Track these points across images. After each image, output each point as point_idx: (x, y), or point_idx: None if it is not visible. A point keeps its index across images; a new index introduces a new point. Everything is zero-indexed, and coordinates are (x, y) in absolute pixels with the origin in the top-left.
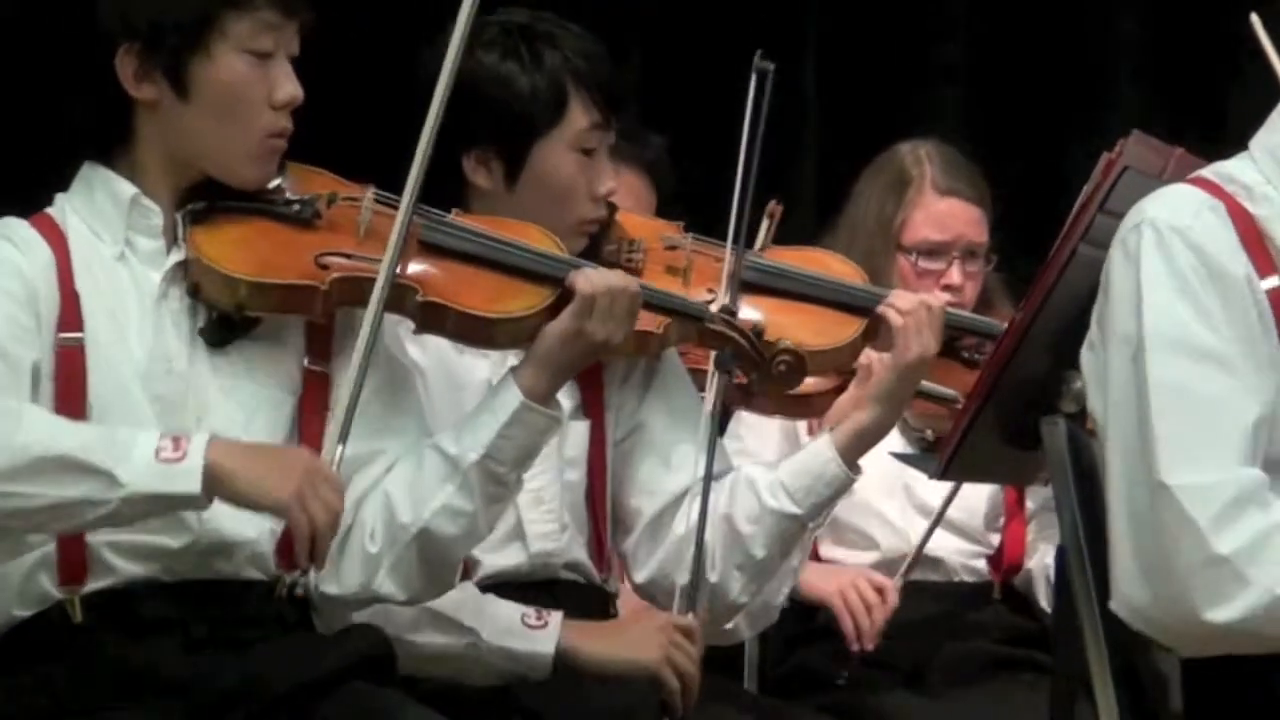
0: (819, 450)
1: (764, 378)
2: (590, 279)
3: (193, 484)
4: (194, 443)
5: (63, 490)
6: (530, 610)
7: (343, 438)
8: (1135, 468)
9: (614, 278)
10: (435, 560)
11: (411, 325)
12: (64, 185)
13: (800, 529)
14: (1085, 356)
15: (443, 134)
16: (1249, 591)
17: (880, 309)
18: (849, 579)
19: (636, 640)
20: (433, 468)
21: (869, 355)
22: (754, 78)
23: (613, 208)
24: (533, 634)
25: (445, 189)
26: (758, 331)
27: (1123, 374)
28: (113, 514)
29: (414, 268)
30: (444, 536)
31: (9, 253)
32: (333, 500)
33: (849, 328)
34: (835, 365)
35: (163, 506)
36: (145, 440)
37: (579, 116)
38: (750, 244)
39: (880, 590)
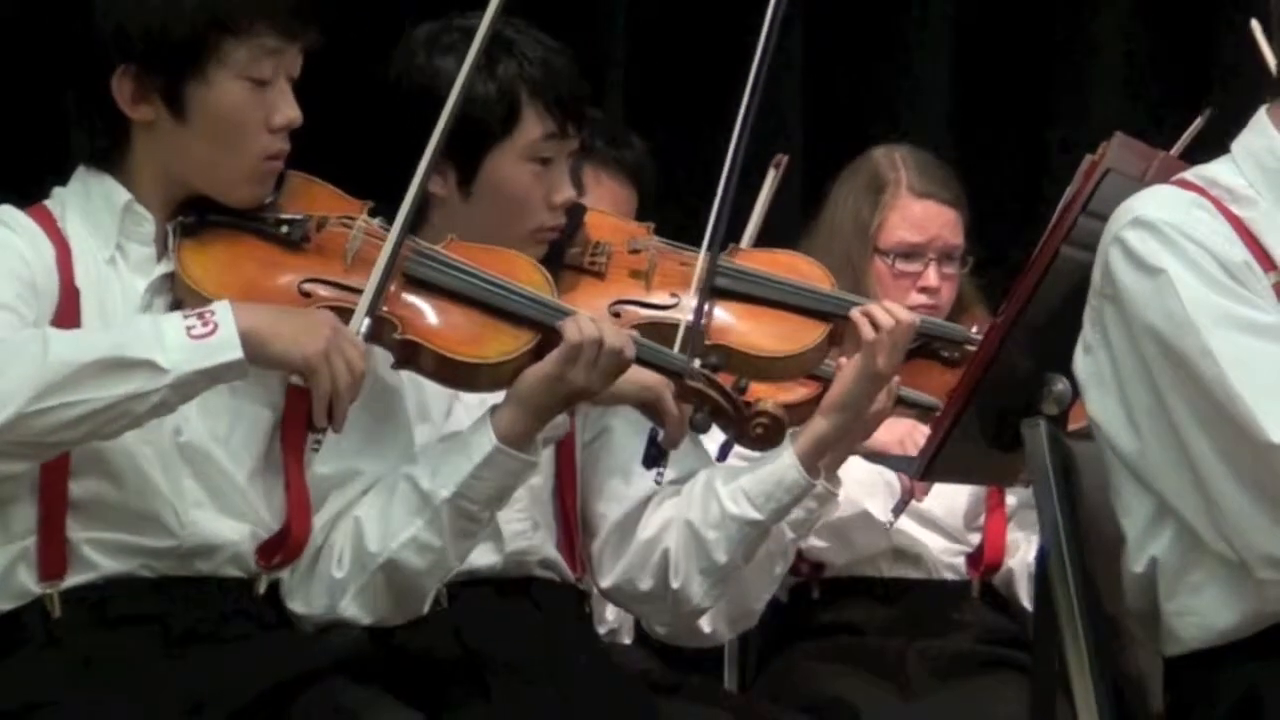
0: (779, 456)
1: (740, 437)
2: (581, 328)
3: (234, 351)
4: (219, 313)
5: (112, 390)
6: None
7: (370, 311)
8: (1233, 443)
9: (607, 332)
10: (402, 589)
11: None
12: (61, 177)
13: (761, 534)
14: (1081, 360)
15: (401, 137)
16: None
17: (854, 316)
18: (906, 429)
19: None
20: (404, 500)
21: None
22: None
23: (581, 209)
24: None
25: (404, 192)
26: (739, 389)
27: (1165, 364)
28: (163, 401)
29: (396, 301)
30: (411, 568)
31: (11, 239)
32: (355, 360)
33: (813, 332)
34: (800, 370)
35: (210, 380)
36: (172, 323)
37: (532, 126)
38: (753, 195)
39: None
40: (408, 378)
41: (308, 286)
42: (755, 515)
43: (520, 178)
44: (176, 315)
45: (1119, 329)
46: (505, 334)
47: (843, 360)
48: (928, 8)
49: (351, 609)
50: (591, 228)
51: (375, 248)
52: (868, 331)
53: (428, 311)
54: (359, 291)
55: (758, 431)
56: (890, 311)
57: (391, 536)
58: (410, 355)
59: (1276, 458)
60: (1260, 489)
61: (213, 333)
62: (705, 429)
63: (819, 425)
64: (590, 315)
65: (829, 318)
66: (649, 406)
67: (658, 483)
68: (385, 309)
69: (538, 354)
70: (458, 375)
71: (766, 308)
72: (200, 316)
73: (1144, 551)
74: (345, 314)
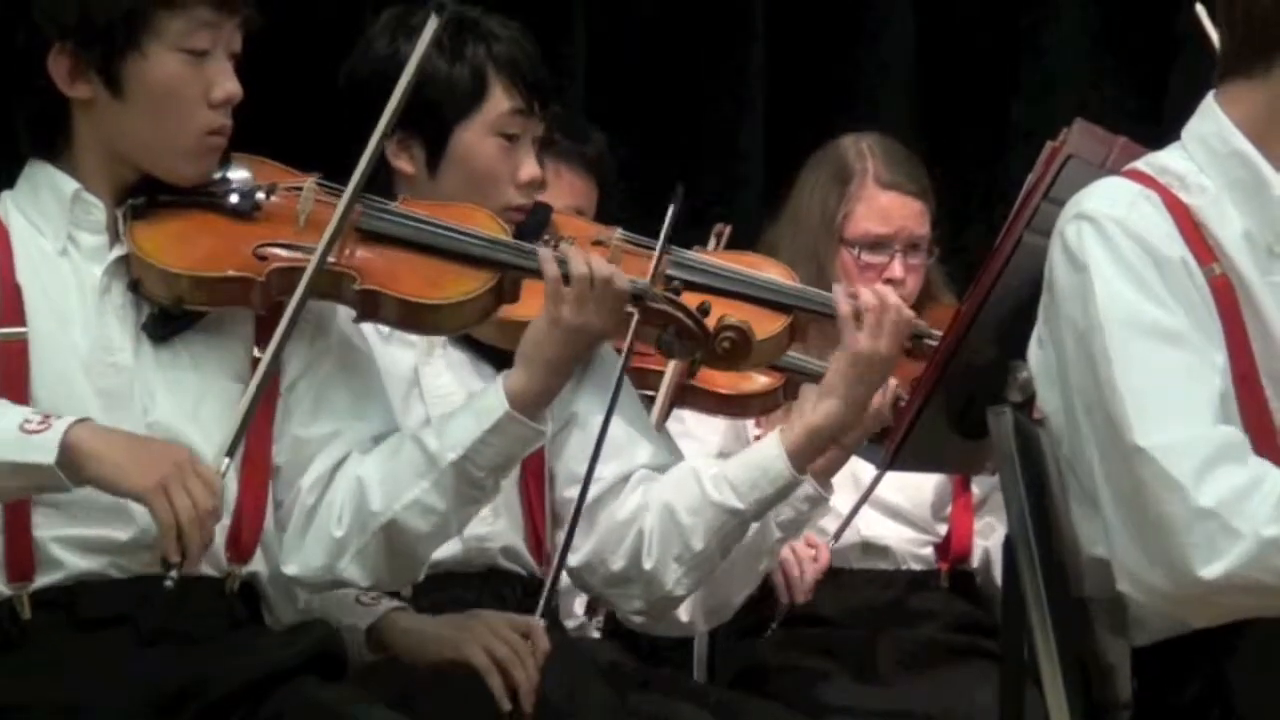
0: (766, 447)
1: (708, 356)
2: (558, 260)
3: (48, 455)
4: (61, 419)
5: None
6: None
7: (230, 451)
8: (1110, 443)
9: (593, 262)
10: (402, 552)
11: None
12: (11, 184)
13: (742, 525)
14: (1034, 353)
15: (365, 122)
16: (1239, 542)
17: (837, 293)
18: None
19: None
20: (410, 460)
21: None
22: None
23: (548, 208)
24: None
25: (372, 177)
26: (703, 310)
27: (1079, 364)
28: None
29: (352, 255)
30: (412, 530)
31: None
32: (202, 497)
33: (774, 323)
34: (761, 359)
35: (21, 477)
36: (15, 413)
37: (500, 100)
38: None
39: (814, 546)
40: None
41: (263, 250)
42: (737, 504)
43: (487, 151)
44: (28, 410)
45: (1057, 324)
46: (465, 275)
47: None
48: None
49: (351, 569)
50: (559, 225)
51: (326, 209)
52: (843, 308)
53: (384, 262)
54: (313, 250)
55: (725, 346)
56: (877, 293)
57: (395, 497)
58: (372, 306)
59: (1139, 461)
60: (1121, 493)
61: (40, 431)
62: (672, 350)
63: (810, 415)
64: (568, 248)
65: (788, 310)
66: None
67: None
68: (341, 262)
69: (498, 293)
70: (421, 319)
71: (729, 299)
72: (44, 417)
73: (1097, 544)
74: (300, 274)
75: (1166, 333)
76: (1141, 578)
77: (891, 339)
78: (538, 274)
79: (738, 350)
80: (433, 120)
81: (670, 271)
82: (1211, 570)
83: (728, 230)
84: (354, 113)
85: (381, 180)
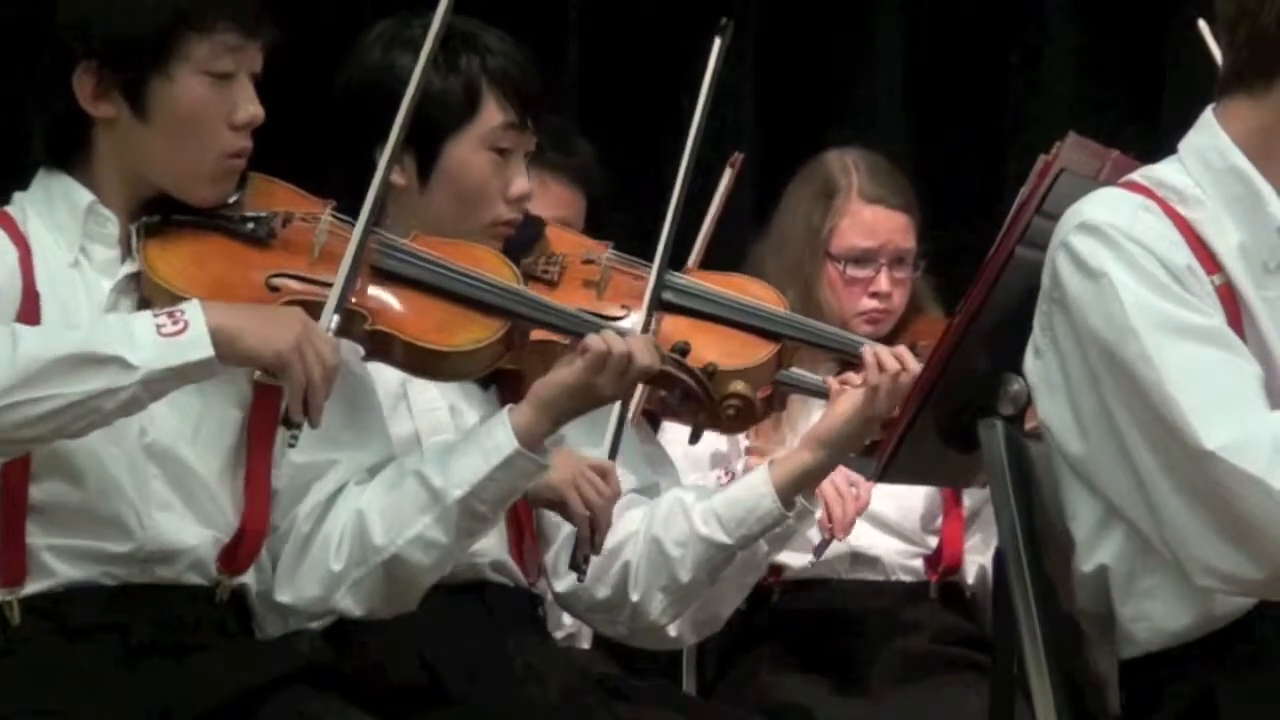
0: (756, 484)
1: (712, 420)
2: (610, 343)
3: (205, 349)
4: (189, 311)
5: (81, 385)
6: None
7: (339, 305)
8: (1172, 449)
9: (636, 347)
10: (401, 584)
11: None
12: (22, 182)
13: (728, 558)
14: (1031, 363)
15: (357, 133)
16: None
17: (865, 354)
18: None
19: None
20: (413, 495)
21: (848, 378)
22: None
23: (541, 222)
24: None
25: (362, 189)
26: (709, 373)
27: (1108, 373)
28: (133, 398)
29: (364, 294)
30: (414, 564)
31: None
32: (327, 354)
33: (761, 350)
34: (752, 385)
35: (180, 378)
36: (142, 321)
37: (493, 114)
38: (708, 197)
39: (855, 484)
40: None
41: (276, 281)
42: (724, 539)
43: (479, 165)
44: (146, 314)
45: (1066, 333)
46: (476, 322)
47: (831, 381)
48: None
49: (345, 601)
50: (551, 241)
51: (341, 242)
52: (874, 374)
53: (396, 302)
54: (327, 285)
55: (729, 414)
56: (899, 358)
57: (398, 532)
58: (381, 346)
59: (1211, 464)
60: (1195, 495)
61: (183, 330)
62: (676, 413)
63: (804, 458)
64: (617, 328)
65: (777, 338)
66: (557, 507)
67: (580, 583)
68: (354, 301)
69: (508, 342)
70: (429, 364)
71: (716, 324)
72: (170, 315)
73: (1093, 555)
74: (314, 308)
75: (1198, 331)
76: (1232, 573)
77: (898, 399)
78: (548, 328)
79: (742, 417)
80: (424, 132)
81: (664, 296)
82: None
83: (740, 159)
84: (346, 124)
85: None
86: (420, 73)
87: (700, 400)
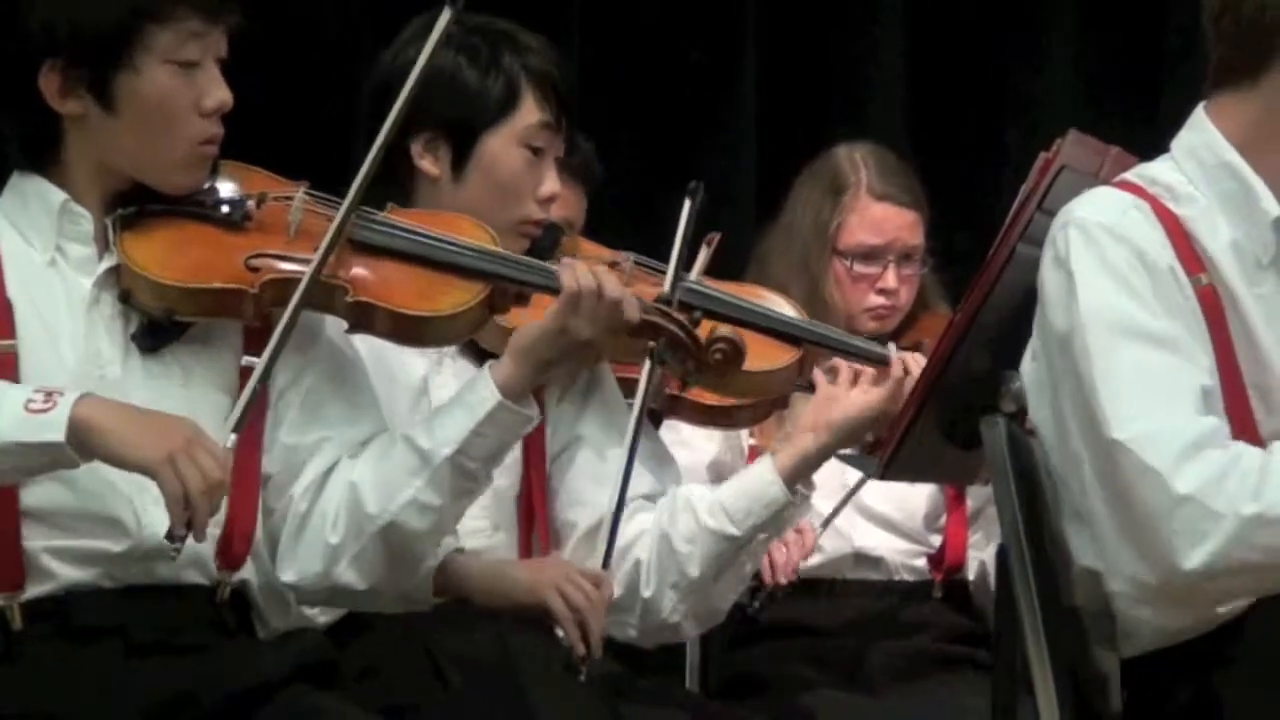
0: (760, 473)
1: (700, 367)
2: (579, 277)
3: (57, 433)
4: (66, 396)
5: None
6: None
7: (236, 428)
8: (1094, 441)
9: (605, 281)
10: (400, 552)
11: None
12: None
13: (736, 550)
14: (1027, 365)
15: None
16: (1220, 523)
17: (894, 360)
18: None
19: None
20: (402, 460)
21: (836, 364)
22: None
23: (560, 229)
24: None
25: (393, 176)
26: (694, 320)
27: (1064, 368)
28: None
29: (344, 267)
30: (410, 530)
31: None
32: (211, 470)
33: (784, 355)
34: (765, 391)
35: (31, 457)
36: (17, 393)
37: (531, 111)
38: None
39: (799, 530)
40: (371, 358)
41: (255, 262)
42: (733, 531)
43: (513, 161)
44: (28, 387)
45: (1050, 333)
46: (456, 286)
47: (818, 373)
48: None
49: (348, 575)
50: (570, 249)
51: (316, 219)
52: (899, 375)
53: (376, 273)
54: (307, 261)
55: (717, 358)
56: (919, 361)
57: (390, 499)
58: (365, 318)
59: (1117, 453)
60: (1109, 489)
61: (47, 410)
62: (665, 361)
63: (808, 442)
64: (587, 265)
65: (797, 343)
66: (542, 613)
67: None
68: (336, 275)
69: (490, 304)
70: (413, 331)
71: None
72: (47, 394)
73: (1088, 556)
74: (296, 285)
75: (1150, 335)
76: (1133, 576)
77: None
78: (529, 285)
79: (730, 361)
80: (464, 122)
81: (682, 298)
82: (1196, 556)
83: (718, 239)
84: (375, 119)
85: (402, 179)
86: (421, 66)
87: (687, 347)
